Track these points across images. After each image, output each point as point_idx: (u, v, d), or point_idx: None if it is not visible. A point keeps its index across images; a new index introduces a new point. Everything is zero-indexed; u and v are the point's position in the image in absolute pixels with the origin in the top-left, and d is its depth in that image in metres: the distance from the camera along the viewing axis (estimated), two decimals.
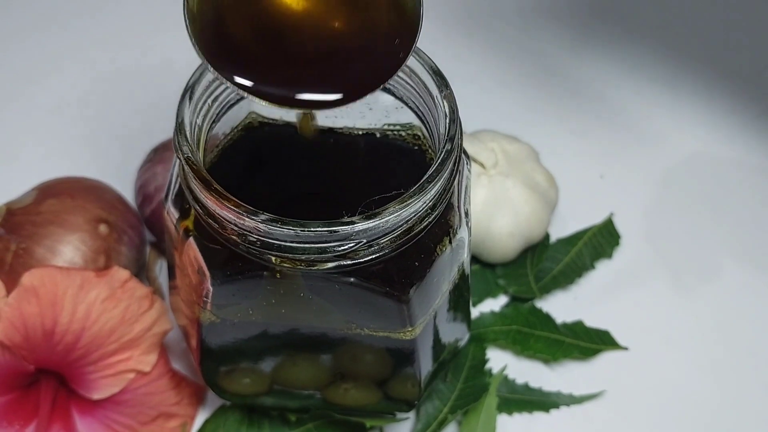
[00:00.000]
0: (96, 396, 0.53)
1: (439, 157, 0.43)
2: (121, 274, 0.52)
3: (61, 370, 0.52)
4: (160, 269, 0.60)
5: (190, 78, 0.45)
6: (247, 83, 0.42)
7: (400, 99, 0.48)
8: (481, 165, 0.60)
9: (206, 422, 0.56)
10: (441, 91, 0.45)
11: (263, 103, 0.42)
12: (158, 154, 0.60)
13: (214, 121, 0.46)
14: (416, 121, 0.49)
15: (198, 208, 0.43)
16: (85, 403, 0.53)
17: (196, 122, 0.45)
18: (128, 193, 0.61)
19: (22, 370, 0.52)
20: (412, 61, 0.46)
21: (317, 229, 0.41)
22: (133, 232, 0.57)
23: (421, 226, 0.43)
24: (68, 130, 0.66)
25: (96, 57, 0.70)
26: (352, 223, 0.41)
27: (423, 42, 0.47)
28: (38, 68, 0.69)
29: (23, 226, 0.55)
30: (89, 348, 0.51)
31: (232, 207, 0.41)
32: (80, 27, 0.71)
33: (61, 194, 0.56)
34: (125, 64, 0.69)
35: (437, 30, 0.68)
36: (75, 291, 0.51)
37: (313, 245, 0.41)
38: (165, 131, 0.63)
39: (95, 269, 0.54)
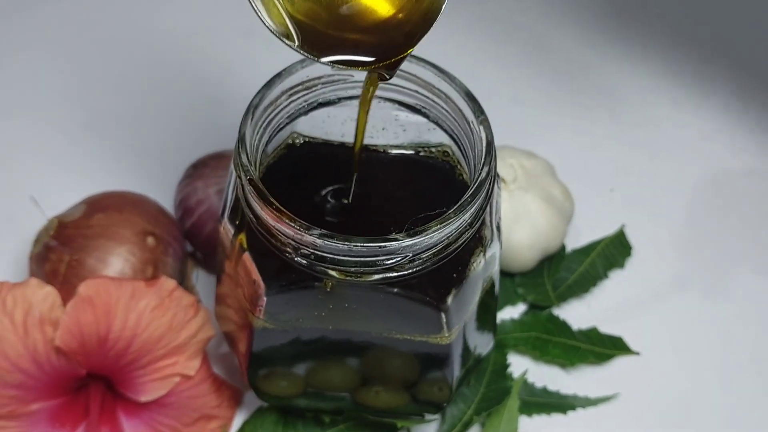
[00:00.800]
0: (143, 399, 0.55)
1: (477, 179, 0.46)
2: (168, 283, 0.54)
3: (111, 375, 0.55)
4: (196, 278, 0.62)
5: (253, 99, 0.48)
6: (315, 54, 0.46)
7: (434, 122, 0.51)
8: (502, 180, 0.62)
9: (245, 424, 0.58)
10: (477, 117, 0.48)
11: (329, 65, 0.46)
12: (197, 170, 0.62)
13: (266, 144, 0.49)
14: (448, 141, 0.52)
15: (254, 222, 0.46)
16: (131, 405, 0.56)
17: (253, 142, 0.48)
18: (165, 207, 0.62)
19: (74, 375, 0.54)
20: (446, 87, 0.50)
21: (369, 244, 0.44)
22: (176, 243, 0.59)
23: (459, 242, 0.46)
24: (106, 146, 0.68)
25: (133, 74, 0.72)
26: (399, 239, 0.44)
27: (439, 59, 0.50)
28: (77, 85, 0.71)
29: (75, 239, 0.57)
30: (139, 353, 0.54)
31: (288, 221, 0.44)
32: (119, 45, 0.73)
33: (109, 208, 0.58)
34: (161, 81, 0.71)
35: (453, 48, 0.69)
36: (127, 300, 0.53)
37: (363, 258, 0.44)
38: (200, 149, 0.65)
39: (143, 279, 0.56)
